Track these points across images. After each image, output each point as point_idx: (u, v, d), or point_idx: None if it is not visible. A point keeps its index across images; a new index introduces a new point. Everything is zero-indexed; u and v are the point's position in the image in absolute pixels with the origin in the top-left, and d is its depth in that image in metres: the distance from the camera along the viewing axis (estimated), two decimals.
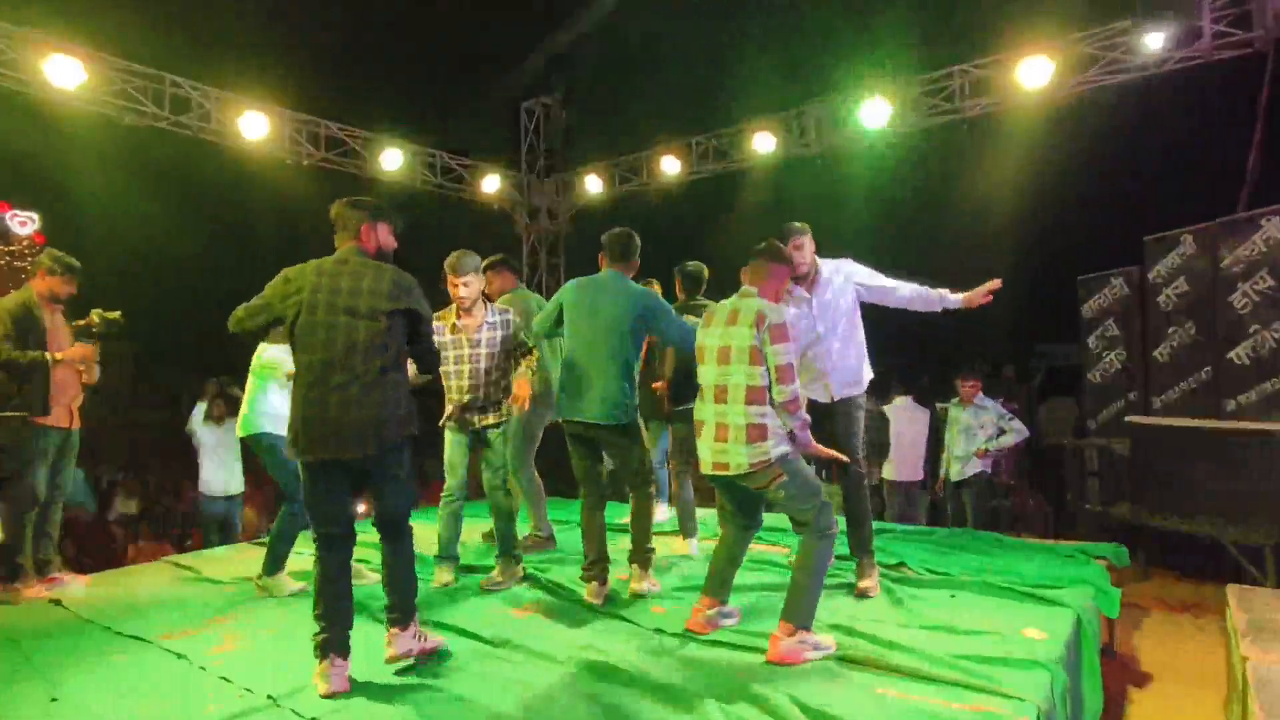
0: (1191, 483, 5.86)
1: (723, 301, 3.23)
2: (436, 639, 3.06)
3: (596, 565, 3.67)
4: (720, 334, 3.10)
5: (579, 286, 3.79)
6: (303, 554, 4.10)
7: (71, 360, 4.13)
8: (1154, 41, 6.37)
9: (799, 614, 2.92)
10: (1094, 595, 3.60)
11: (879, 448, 6.65)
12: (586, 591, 3.65)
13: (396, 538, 2.93)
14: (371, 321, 2.74)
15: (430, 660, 2.96)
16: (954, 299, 3.72)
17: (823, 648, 2.92)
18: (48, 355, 4.01)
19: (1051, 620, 3.19)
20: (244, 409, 4.11)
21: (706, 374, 3.14)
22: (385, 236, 2.97)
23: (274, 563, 3.99)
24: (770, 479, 2.98)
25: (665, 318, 3.71)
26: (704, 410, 3.14)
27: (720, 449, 3.04)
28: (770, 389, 2.98)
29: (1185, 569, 5.95)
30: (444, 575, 3.99)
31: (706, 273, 4.67)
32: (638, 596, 3.67)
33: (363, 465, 2.78)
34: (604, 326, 3.62)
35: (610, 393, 3.57)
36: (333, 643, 2.73)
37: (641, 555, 3.77)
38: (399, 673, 2.86)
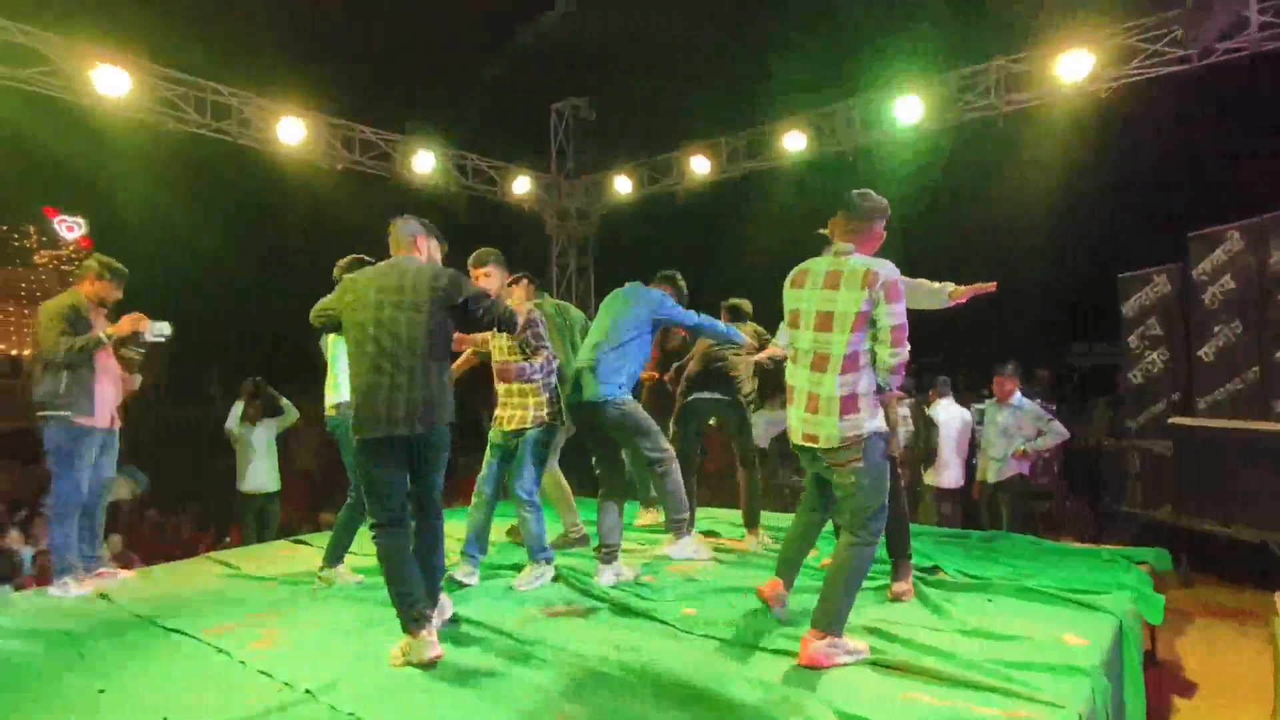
0: (1237, 486, 5.70)
1: (814, 261, 3.06)
2: (445, 606, 3.31)
3: (603, 548, 3.93)
4: (819, 297, 2.92)
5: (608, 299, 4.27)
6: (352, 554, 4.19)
7: (120, 330, 4.20)
8: (1197, 30, 6.16)
9: (830, 619, 2.84)
10: (1136, 601, 3.51)
11: (927, 453, 6.56)
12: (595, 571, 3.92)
13: (434, 516, 3.18)
14: (415, 313, 3.00)
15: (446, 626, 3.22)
16: (948, 294, 3.64)
17: (855, 652, 2.85)
18: (101, 334, 4.13)
19: (1092, 626, 3.12)
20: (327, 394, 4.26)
21: (801, 339, 2.98)
22: (435, 252, 3.30)
23: (336, 554, 4.09)
24: (849, 458, 2.85)
25: (676, 311, 4.14)
26: (796, 376, 2.99)
27: (812, 420, 2.91)
28: (874, 351, 2.84)
29: (1230, 575, 5.78)
30: (465, 568, 4.00)
31: (749, 307, 4.92)
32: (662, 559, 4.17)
33: (412, 445, 3.01)
34: (612, 320, 4.06)
35: (601, 373, 3.91)
36: (425, 614, 2.95)
37: (672, 523, 4.17)
38: (432, 670, 2.89)
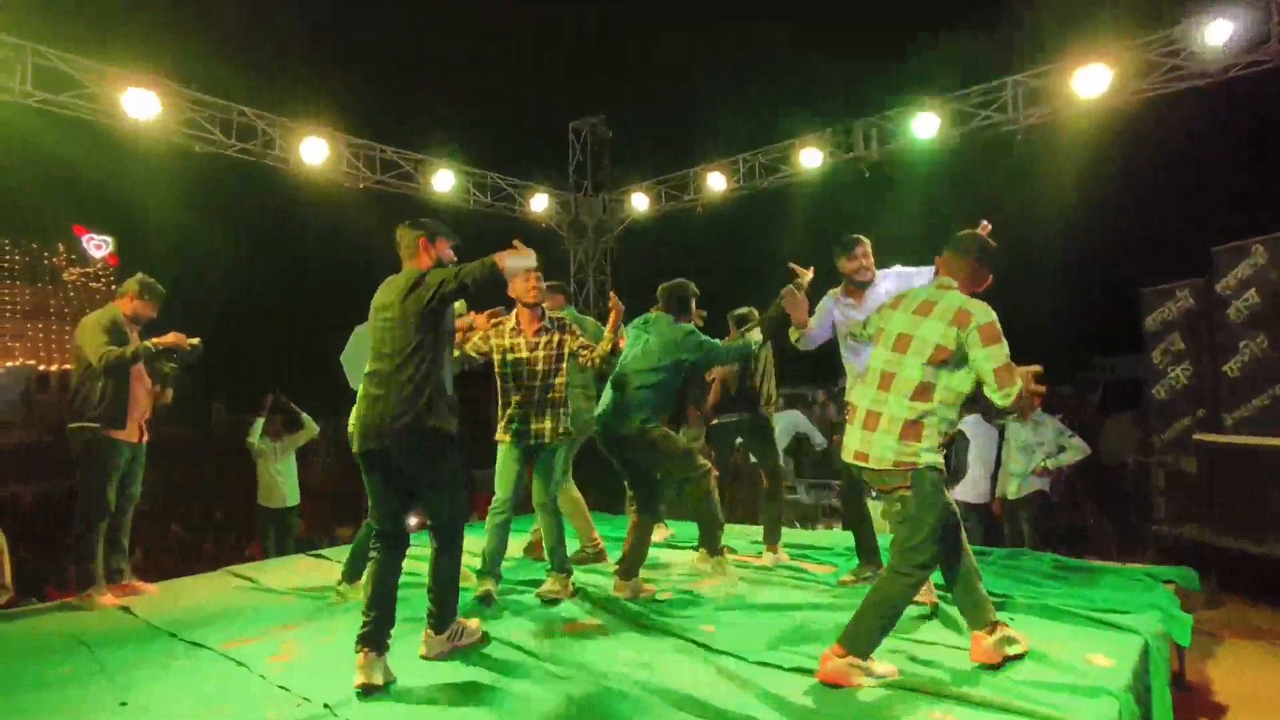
0: (1266, 504, 5.58)
1: (917, 287, 3.12)
2: (474, 634, 3.27)
3: (623, 562, 3.90)
4: (905, 321, 2.91)
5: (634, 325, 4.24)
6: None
7: (165, 342, 4.30)
8: (1217, 37, 6.10)
9: (857, 643, 2.78)
10: (1164, 621, 3.44)
11: (956, 469, 6.47)
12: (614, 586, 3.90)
13: (441, 544, 3.15)
14: (395, 326, 3.03)
15: (472, 649, 3.20)
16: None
17: (877, 675, 2.79)
18: (149, 343, 4.24)
19: (1119, 647, 3.06)
20: None
21: (876, 358, 2.97)
22: (445, 251, 3.22)
23: (354, 570, 4.10)
24: (897, 484, 2.80)
25: (703, 349, 4.06)
26: (861, 395, 2.96)
27: (866, 438, 2.87)
28: (984, 397, 2.79)
29: (1259, 594, 5.64)
30: (485, 588, 3.96)
31: (757, 314, 4.80)
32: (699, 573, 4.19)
33: (399, 459, 3.00)
34: (642, 350, 4.03)
35: (632, 404, 3.92)
36: (367, 636, 2.90)
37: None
38: (449, 684, 2.89)
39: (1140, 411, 8.19)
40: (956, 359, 2.79)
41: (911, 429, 2.78)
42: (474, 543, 4.58)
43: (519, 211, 10.04)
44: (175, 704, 2.81)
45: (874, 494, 3.72)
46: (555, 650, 3.21)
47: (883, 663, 2.84)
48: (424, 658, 3.12)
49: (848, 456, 2.98)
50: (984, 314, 2.78)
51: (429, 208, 9.10)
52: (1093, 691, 2.63)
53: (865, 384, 2.96)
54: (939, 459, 2.81)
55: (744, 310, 4.92)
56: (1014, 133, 7.40)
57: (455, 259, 3.24)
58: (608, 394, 4.09)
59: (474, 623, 3.35)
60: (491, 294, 3.84)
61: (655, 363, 4.00)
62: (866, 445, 2.87)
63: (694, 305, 4.28)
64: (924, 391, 2.79)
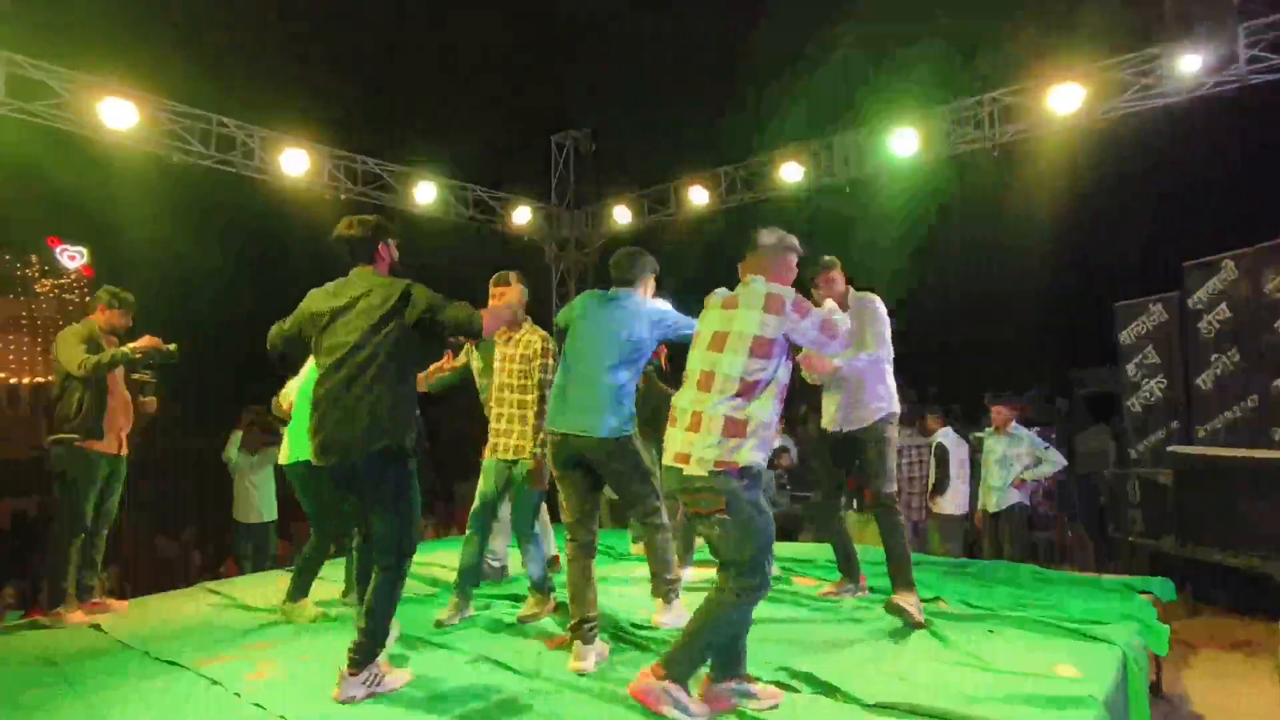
0: (1239, 515, 5.67)
1: (720, 290, 2.95)
2: (396, 681, 2.95)
3: (585, 624, 3.21)
4: (718, 318, 2.80)
5: (582, 303, 3.59)
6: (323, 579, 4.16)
7: (140, 346, 4.24)
8: (1189, 66, 6.30)
9: (676, 664, 2.61)
10: (1141, 631, 3.48)
11: (938, 481, 6.52)
12: (574, 655, 3.15)
13: (383, 565, 2.92)
14: (362, 332, 2.87)
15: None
16: None
17: (687, 712, 2.56)
18: (126, 349, 4.20)
19: (1096, 658, 3.09)
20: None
21: (693, 360, 2.82)
22: (394, 253, 3.14)
23: (299, 588, 4.07)
24: (713, 507, 2.59)
25: (682, 323, 3.44)
26: (682, 398, 2.79)
27: (688, 439, 2.68)
28: (765, 387, 2.66)
29: (1234, 604, 5.73)
30: (457, 606, 3.87)
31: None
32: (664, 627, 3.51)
33: (349, 473, 2.87)
34: (603, 338, 3.39)
35: (600, 403, 3.29)
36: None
37: (663, 588, 3.60)
38: (433, 700, 2.86)
39: (1115, 424, 8.32)
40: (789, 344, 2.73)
41: (733, 426, 2.62)
42: (450, 558, 4.56)
43: (501, 224, 10.04)
44: None
45: (853, 505, 3.74)
46: (537, 667, 3.17)
47: (698, 704, 2.65)
48: (337, 700, 2.81)
49: (667, 460, 2.76)
50: (789, 293, 2.74)
51: (411, 220, 9.08)
52: (1071, 702, 2.65)
53: (686, 388, 2.81)
54: (760, 457, 2.66)
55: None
56: (990, 150, 7.52)
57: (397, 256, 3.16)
58: (573, 390, 3.85)
59: (404, 673, 3.04)
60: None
61: (628, 353, 3.44)
62: (687, 446, 2.68)
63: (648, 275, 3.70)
64: (747, 390, 2.66)
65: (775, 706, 2.71)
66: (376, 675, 2.90)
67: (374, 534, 2.98)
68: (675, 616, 3.51)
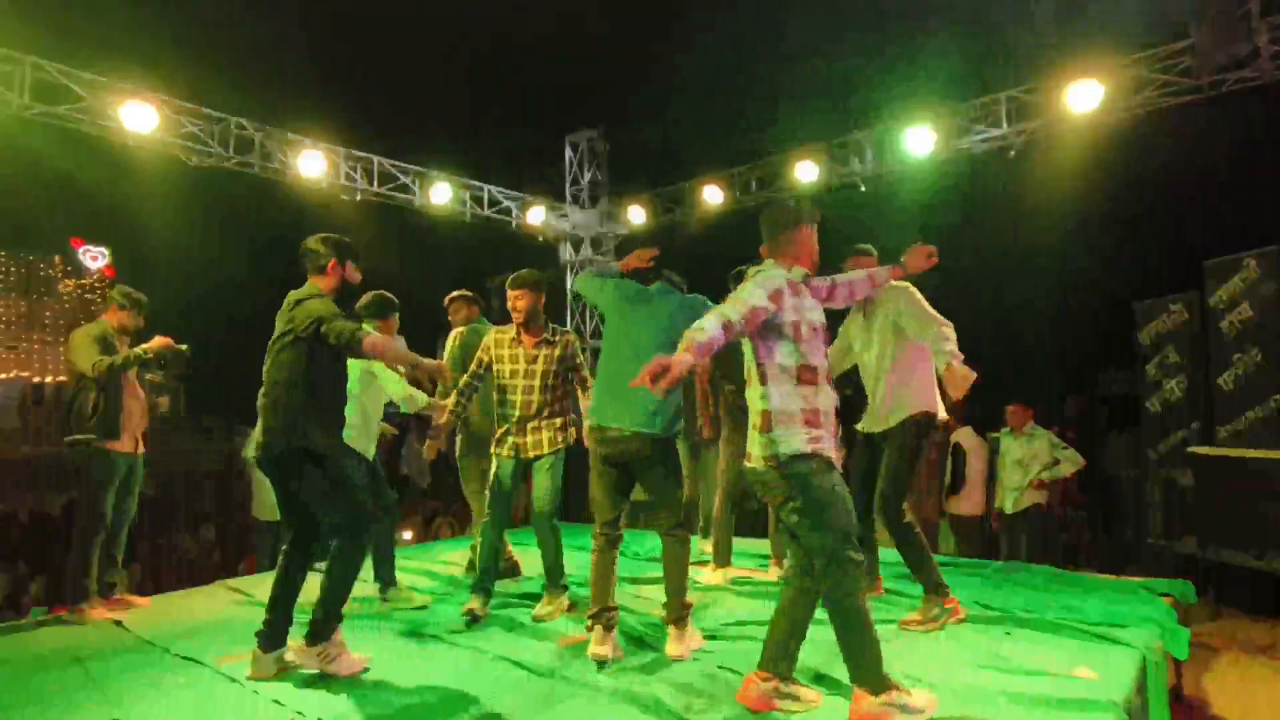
0: (1262, 517, 5.59)
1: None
2: (352, 665, 3.12)
3: (606, 611, 3.28)
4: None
5: (618, 293, 3.54)
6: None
7: (153, 347, 4.30)
8: (1205, 63, 6.18)
9: (772, 661, 2.73)
10: (1161, 635, 3.44)
11: (954, 481, 6.47)
12: (594, 640, 3.22)
13: (336, 548, 3.19)
14: (276, 344, 3.15)
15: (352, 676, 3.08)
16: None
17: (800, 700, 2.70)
18: (140, 350, 4.25)
19: (1115, 661, 3.06)
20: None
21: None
22: (351, 273, 3.30)
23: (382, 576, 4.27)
24: (781, 496, 2.64)
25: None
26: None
27: (751, 435, 2.73)
28: (786, 368, 2.63)
29: (1256, 608, 5.65)
30: (473, 605, 3.88)
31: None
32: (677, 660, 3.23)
33: (278, 468, 3.15)
34: (658, 333, 3.32)
35: (652, 400, 3.15)
36: (267, 632, 3.10)
37: (676, 612, 3.33)
38: (444, 698, 2.87)
39: (1135, 425, 8.23)
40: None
41: (764, 419, 2.63)
42: (460, 555, 4.57)
43: (516, 224, 10.08)
44: (168, 719, 2.79)
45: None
46: (551, 664, 3.19)
47: (809, 688, 2.76)
48: (282, 667, 3.11)
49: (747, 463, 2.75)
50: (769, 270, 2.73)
51: (426, 219, 9.14)
52: (1090, 706, 2.63)
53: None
54: (801, 444, 2.59)
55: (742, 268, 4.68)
56: (1007, 148, 7.45)
57: (360, 280, 3.33)
58: (610, 383, 3.91)
59: (359, 656, 3.17)
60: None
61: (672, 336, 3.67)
62: (752, 446, 2.72)
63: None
64: (766, 375, 2.67)
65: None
66: (333, 652, 3.10)
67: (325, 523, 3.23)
68: (688, 645, 3.31)
